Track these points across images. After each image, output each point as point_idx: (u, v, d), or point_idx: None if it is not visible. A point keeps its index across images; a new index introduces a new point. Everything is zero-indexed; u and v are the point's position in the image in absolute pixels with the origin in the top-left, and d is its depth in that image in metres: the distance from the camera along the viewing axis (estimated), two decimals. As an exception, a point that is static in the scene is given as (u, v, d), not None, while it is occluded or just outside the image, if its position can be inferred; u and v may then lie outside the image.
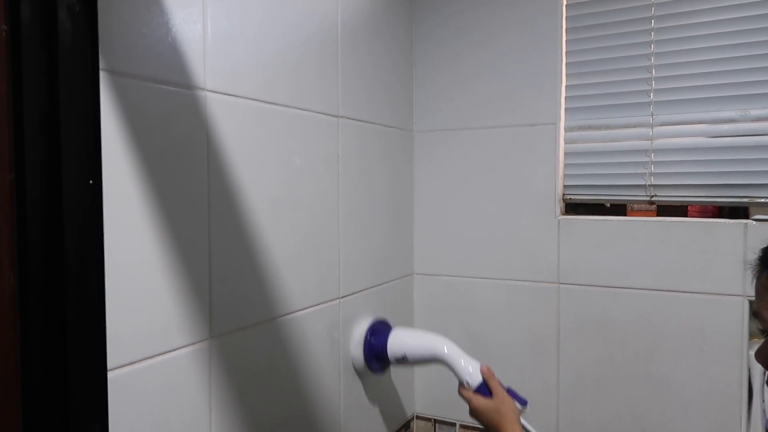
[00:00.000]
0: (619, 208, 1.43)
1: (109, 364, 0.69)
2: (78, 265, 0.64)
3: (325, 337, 1.16)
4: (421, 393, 1.57)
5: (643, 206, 1.38)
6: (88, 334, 0.65)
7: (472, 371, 1.11)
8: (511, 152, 1.44)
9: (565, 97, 1.39)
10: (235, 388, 0.92)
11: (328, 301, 1.16)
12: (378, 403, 1.38)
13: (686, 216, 1.35)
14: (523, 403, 1.08)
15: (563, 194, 1.40)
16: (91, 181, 0.66)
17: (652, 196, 1.30)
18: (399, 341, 1.24)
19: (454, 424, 1.52)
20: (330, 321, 1.17)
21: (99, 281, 0.67)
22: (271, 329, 1.00)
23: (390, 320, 1.35)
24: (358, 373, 1.26)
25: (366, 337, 1.25)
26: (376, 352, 1.25)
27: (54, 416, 0.62)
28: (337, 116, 1.19)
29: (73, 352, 0.63)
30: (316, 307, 1.13)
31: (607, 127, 1.35)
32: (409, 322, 1.53)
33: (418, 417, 1.57)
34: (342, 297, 1.21)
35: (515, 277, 1.44)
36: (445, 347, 1.18)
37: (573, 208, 1.44)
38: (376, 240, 1.37)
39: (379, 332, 1.27)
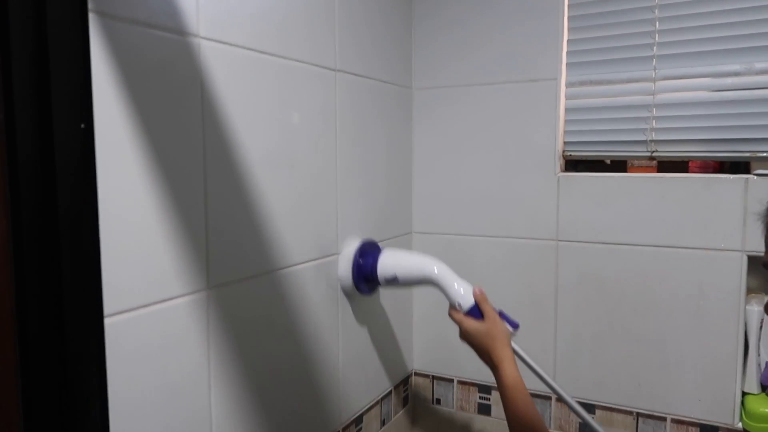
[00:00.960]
0: (619, 165, 1.42)
1: (106, 310, 0.69)
2: (72, 210, 0.63)
3: (323, 290, 1.16)
4: (419, 352, 1.58)
5: (644, 162, 1.37)
6: (84, 278, 0.64)
7: (464, 293, 1.08)
8: (511, 109, 1.42)
9: (567, 52, 1.36)
10: (234, 337, 0.92)
11: (326, 257, 1.16)
12: (377, 359, 1.39)
13: (687, 172, 1.34)
14: (515, 326, 1.07)
15: (563, 151, 1.38)
16: (82, 125, 0.65)
17: (653, 151, 1.29)
18: (389, 262, 1.20)
19: (452, 380, 1.54)
20: (327, 275, 1.17)
21: (93, 226, 0.66)
22: (268, 281, 1.00)
23: (380, 242, 1.31)
24: (347, 295, 1.23)
25: (355, 258, 1.21)
26: (365, 273, 1.21)
27: (52, 359, 0.62)
28: (334, 69, 1.17)
29: (68, 296, 0.62)
30: (314, 262, 1.12)
31: (609, 82, 1.33)
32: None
33: (416, 374, 1.59)
34: (340, 253, 1.21)
35: (514, 234, 1.44)
36: (436, 268, 1.14)
37: (573, 165, 1.43)
38: (375, 197, 1.36)
39: (368, 253, 1.23)
